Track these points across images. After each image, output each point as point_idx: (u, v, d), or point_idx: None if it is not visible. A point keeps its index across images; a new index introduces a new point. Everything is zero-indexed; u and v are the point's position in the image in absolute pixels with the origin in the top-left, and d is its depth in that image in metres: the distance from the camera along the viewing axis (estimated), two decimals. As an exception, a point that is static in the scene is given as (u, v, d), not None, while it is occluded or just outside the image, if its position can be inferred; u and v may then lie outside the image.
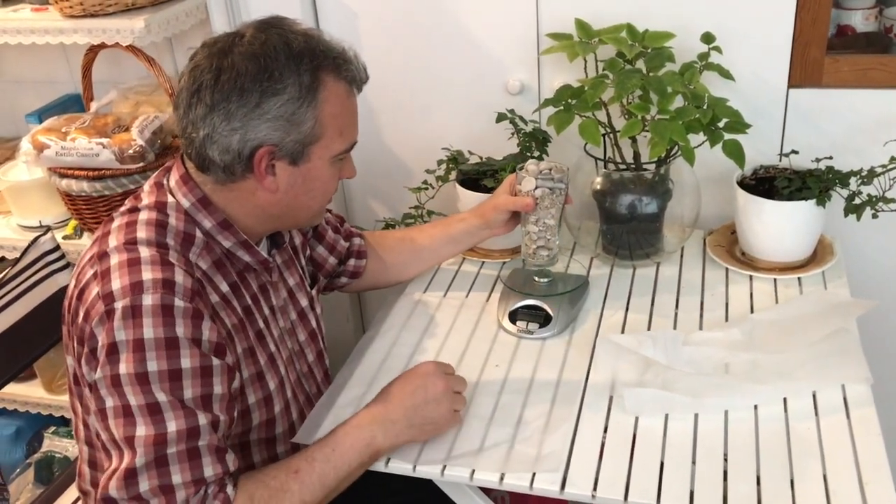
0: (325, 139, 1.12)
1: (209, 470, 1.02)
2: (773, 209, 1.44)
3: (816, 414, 1.16)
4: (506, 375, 1.29)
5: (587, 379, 1.26)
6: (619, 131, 1.43)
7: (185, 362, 1.03)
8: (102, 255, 1.08)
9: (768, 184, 1.50)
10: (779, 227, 1.46)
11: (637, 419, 1.17)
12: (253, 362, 1.19)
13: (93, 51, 1.81)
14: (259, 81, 1.06)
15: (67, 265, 1.64)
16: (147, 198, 1.15)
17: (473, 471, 1.11)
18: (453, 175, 1.63)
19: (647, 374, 1.23)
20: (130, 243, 1.08)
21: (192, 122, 1.09)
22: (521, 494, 1.14)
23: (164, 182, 1.17)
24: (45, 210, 1.92)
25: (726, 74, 1.46)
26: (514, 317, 1.39)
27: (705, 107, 1.38)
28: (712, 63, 1.45)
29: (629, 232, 1.51)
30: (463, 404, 1.18)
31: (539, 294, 1.41)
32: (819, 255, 1.51)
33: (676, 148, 1.42)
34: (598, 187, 1.52)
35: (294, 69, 1.07)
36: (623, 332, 1.37)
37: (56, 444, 2.05)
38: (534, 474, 1.09)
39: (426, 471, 1.12)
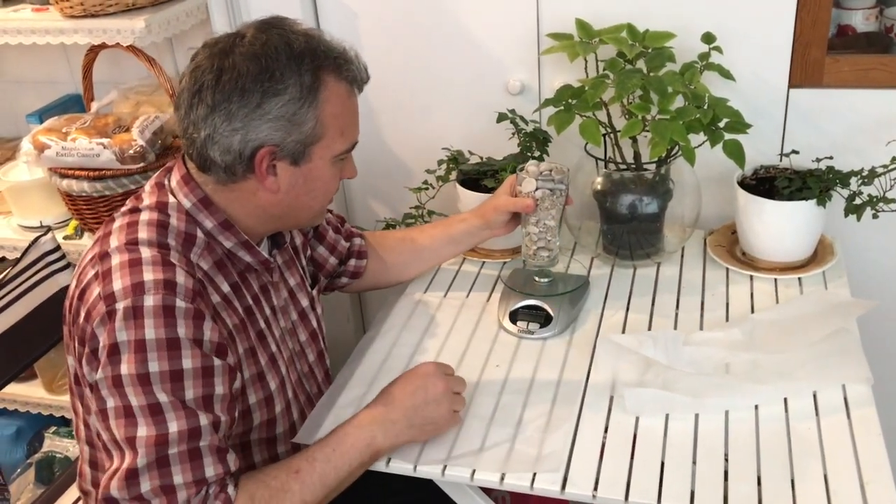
0: (327, 139, 1.12)
1: (210, 470, 1.02)
2: (773, 209, 1.44)
3: (817, 414, 1.16)
4: (506, 375, 1.29)
5: (588, 379, 1.27)
6: (619, 131, 1.43)
7: (187, 363, 1.03)
8: (104, 256, 1.08)
9: (769, 184, 1.50)
10: (779, 227, 1.46)
11: (638, 419, 1.17)
12: (254, 362, 1.19)
13: (93, 51, 1.81)
14: (260, 82, 1.06)
15: (68, 265, 1.64)
16: (148, 198, 1.15)
17: (474, 471, 1.11)
18: (454, 175, 1.63)
19: (647, 374, 1.23)
20: (132, 244, 1.08)
21: (194, 123, 1.09)
22: (522, 494, 1.14)
23: (166, 182, 1.17)
24: (45, 210, 1.92)
25: (727, 74, 1.46)
26: (514, 317, 1.39)
27: (706, 107, 1.38)
28: (713, 63, 1.45)
29: (630, 232, 1.51)
30: (463, 405, 1.18)
31: (539, 294, 1.41)
32: (819, 255, 1.51)
33: (677, 148, 1.42)
34: (599, 187, 1.52)
35: (295, 69, 1.07)
36: (623, 332, 1.37)
37: (57, 444, 2.05)
38: (534, 474, 1.09)
39: (427, 471, 1.12)
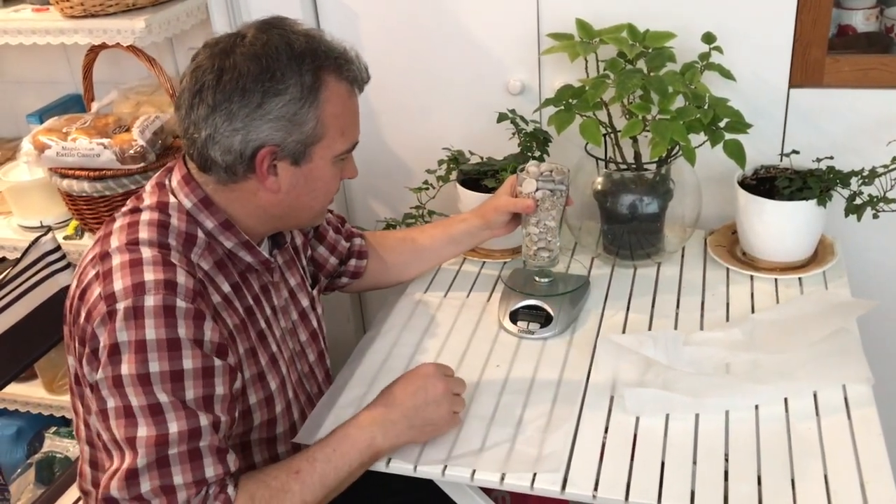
0: (327, 139, 1.12)
1: (210, 470, 1.02)
2: (773, 209, 1.44)
3: (817, 414, 1.16)
4: (506, 375, 1.29)
5: (588, 379, 1.27)
6: (619, 131, 1.43)
7: (187, 363, 1.03)
8: (104, 256, 1.08)
9: (769, 184, 1.50)
10: (780, 227, 1.46)
11: (638, 419, 1.17)
12: (254, 362, 1.19)
13: (93, 51, 1.81)
14: (261, 82, 1.06)
15: (68, 265, 1.64)
16: (149, 198, 1.15)
17: (474, 471, 1.11)
18: (454, 175, 1.63)
19: (647, 374, 1.23)
20: (132, 244, 1.08)
21: (194, 123, 1.09)
22: (522, 494, 1.14)
23: (166, 182, 1.17)
24: (45, 210, 1.92)
25: (727, 74, 1.46)
26: (514, 317, 1.39)
27: (706, 107, 1.38)
28: (713, 63, 1.45)
29: (630, 232, 1.51)
30: (462, 406, 1.18)
31: (540, 294, 1.41)
32: (820, 255, 1.51)
33: (677, 148, 1.42)
34: (599, 187, 1.52)
35: (296, 69, 1.07)
36: (624, 332, 1.37)
37: (57, 445, 2.05)
38: (534, 474, 1.09)
39: (427, 471, 1.12)
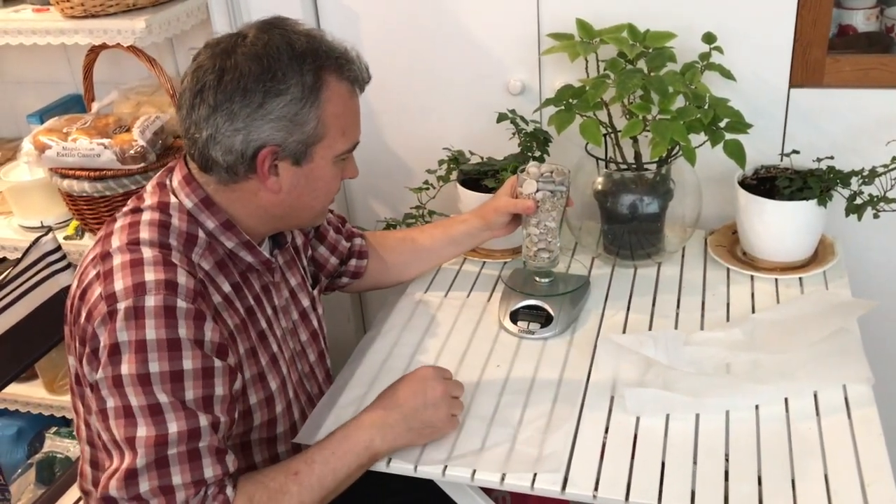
0: (328, 139, 1.12)
1: (209, 471, 1.02)
2: (774, 209, 1.44)
3: (818, 414, 1.16)
4: (507, 375, 1.29)
5: (588, 379, 1.27)
6: (620, 131, 1.43)
7: (187, 363, 1.03)
8: (105, 256, 1.08)
9: (769, 184, 1.50)
10: (780, 227, 1.46)
11: (638, 419, 1.17)
12: (255, 362, 1.19)
13: (94, 51, 1.81)
14: (262, 82, 1.06)
15: (69, 266, 1.64)
16: (150, 198, 1.15)
17: (474, 471, 1.11)
18: (454, 175, 1.63)
19: (648, 374, 1.23)
20: (133, 244, 1.08)
21: (196, 123, 1.09)
22: (522, 495, 1.14)
23: (167, 182, 1.17)
24: (46, 210, 1.92)
25: (727, 74, 1.46)
26: (515, 317, 1.39)
27: (706, 107, 1.38)
28: (713, 63, 1.45)
29: (630, 232, 1.51)
30: (461, 409, 1.18)
31: (540, 294, 1.41)
32: (820, 255, 1.51)
33: (677, 148, 1.42)
34: (600, 187, 1.52)
35: (297, 69, 1.07)
36: (624, 332, 1.37)
37: (57, 445, 2.05)
38: (535, 474, 1.09)
39: (427, 471, 1.12)
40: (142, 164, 1.72)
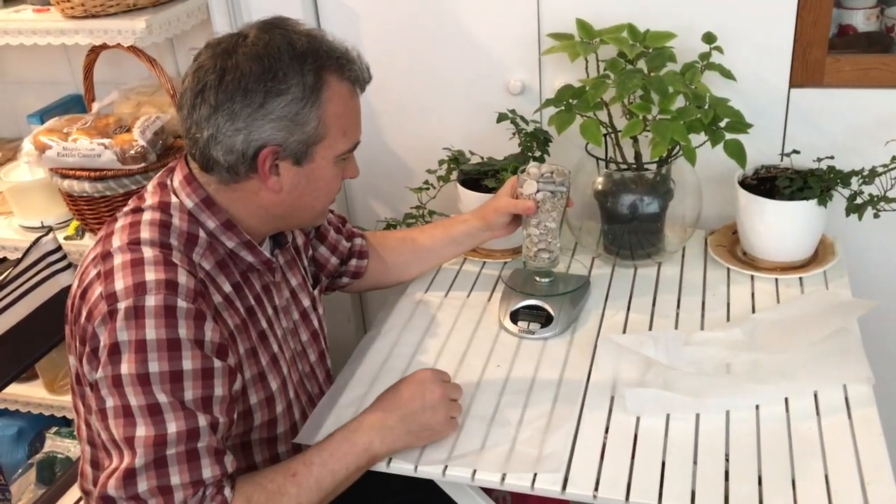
0: (329, 139, 1.12)
1: (207, 471, 1.02)
2: (774, 209, 1.44)
3: (818, 414, 1.16)
4: (507, 375, 1.29)
5: (588, 379, 1.27)
6: (620, 131, 1.43)
7: (187, 364, 1.03)
8: (106, 256, 1.08)
9: (770, 183, 1.50)
10: (780, 226, 1.46)
11: (638, 419, 1.17)
12: (255, 362, 1.19)
13: (94, 51, 1.81)
14: (263, 82, 1.06)
15: (69, 266, 1.64)
16: (150, 198, 1.15)
17: (475, 471, 1.11)
18: (454, 175, 1.63)
19: (648, 374, 1.23)
20: (134, 244, 1.08)
21: (196, 123, 1.09)
22: (523, 494, 1.14)
23: (168, 182, 1.17)
24: (46, 211, 1.92)
25: (727, 74, 1.47)
26: (515, 317, 1.40)
27: (706, 107, 1.38)
28: (713, 63, 1.45)
29: (630, 232, 1.51)
30: (459, 411, 1.18)
31: (540, 294, 1.41)
32: (820, 254, 1.51)
33: (678, 148, 1.42)
34: (600, 187, 1.52)
35: (298, 69, 1.07)
36: (624, 332, 1.37)
37: (58, 445, 2.05)
38: (535, 474, 1.09)
39: (428, 471, 1.12)
40: (142, 165, 1.72)
